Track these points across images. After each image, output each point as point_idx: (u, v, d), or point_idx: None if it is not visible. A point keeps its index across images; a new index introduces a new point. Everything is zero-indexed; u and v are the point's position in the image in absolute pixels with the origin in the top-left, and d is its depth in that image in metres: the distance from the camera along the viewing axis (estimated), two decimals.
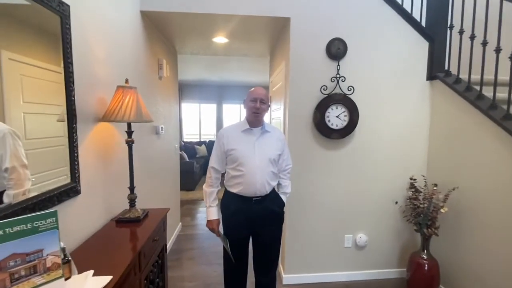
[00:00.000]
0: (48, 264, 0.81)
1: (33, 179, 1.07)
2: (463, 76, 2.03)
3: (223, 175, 1.71)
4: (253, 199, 1.57)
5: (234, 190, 1.59)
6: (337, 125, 2.18)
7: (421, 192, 2.17)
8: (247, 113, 1.61)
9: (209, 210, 1.67)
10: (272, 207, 1.62)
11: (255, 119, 1.59)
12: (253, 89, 1.61)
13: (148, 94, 2.27)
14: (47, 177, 1.15)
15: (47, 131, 1.15)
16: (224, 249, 1.67)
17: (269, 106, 1.65)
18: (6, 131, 0.93)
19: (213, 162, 1.65)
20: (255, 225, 1.61)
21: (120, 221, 1.56)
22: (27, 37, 1.04)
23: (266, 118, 3.40)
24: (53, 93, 1.15)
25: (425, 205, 2.07)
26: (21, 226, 0.75)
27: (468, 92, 1.92)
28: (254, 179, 1.54)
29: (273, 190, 1.66)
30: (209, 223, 1.67)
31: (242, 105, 1.70)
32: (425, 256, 2.08)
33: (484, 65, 1.82)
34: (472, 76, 1.94)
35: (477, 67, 1.86)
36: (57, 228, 0.82)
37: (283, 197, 1.71)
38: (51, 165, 1.17)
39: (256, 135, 1.61)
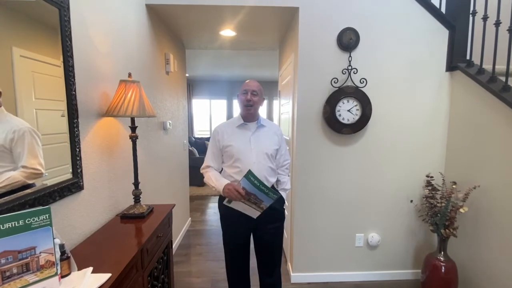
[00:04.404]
0: (42, 262, 0.79)
1: (47, 174, 1.08)
2: (487, 66, 1.88)
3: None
4: None
5: None
6: (348, 120, 2.08)
7: (438, 190, 2.05)
8: (240, 107, 1.56)
9: (219, 184, 1.46)
10: (272, 204, 1.56)
11: (247, 113, 1.53)
12: (246, 81, 1.56)
13: (154, 89, 2.25)
14: (57, 172, 1.15)
15: (54, 127, 1.14)
16: (225, 246, 1.64)
17: (263, 99, 1.59)
18: (26, 129, 0.96)
19: (209, 160, 1.59)
20: (254, 223, 1.55)
21: (125, 217, 1.55)
22: (33, 32, 1.03)
23: (275, 115, 3.35)
24: (56, 88, 1.13)
25: (443, 204, 1.95)
26: (13, 222, 0.73)
27: (492, 83, 1.78)
28: None
29: (272, 187, 1.59)
30: (226, 190, 1.39)
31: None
32: (442, 258, 1.97)
33: (510, 54, 1.68)
34: (497, 66, 1.80)
35: (503, 56, 1.72)
36: (50, 225, 0.80)
37: (283, 194, 1.64)
38: (60, 161, 1.17)
39: (251, 130, 1.55)
